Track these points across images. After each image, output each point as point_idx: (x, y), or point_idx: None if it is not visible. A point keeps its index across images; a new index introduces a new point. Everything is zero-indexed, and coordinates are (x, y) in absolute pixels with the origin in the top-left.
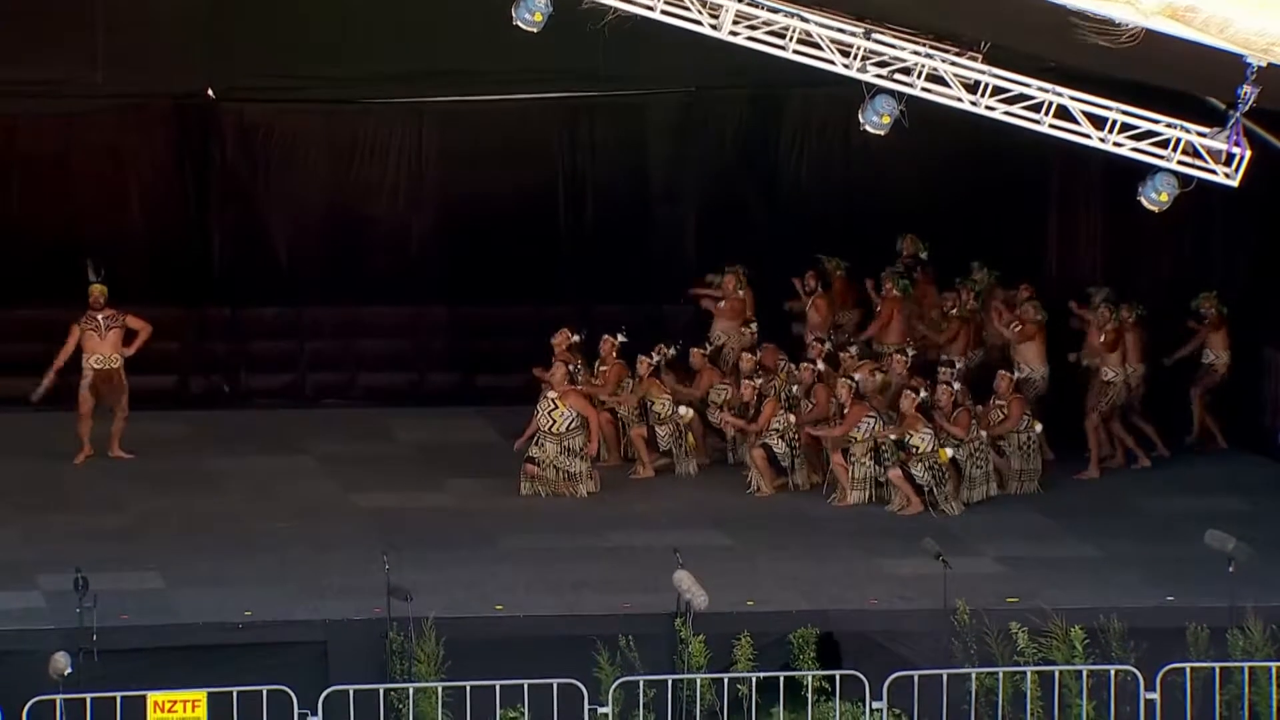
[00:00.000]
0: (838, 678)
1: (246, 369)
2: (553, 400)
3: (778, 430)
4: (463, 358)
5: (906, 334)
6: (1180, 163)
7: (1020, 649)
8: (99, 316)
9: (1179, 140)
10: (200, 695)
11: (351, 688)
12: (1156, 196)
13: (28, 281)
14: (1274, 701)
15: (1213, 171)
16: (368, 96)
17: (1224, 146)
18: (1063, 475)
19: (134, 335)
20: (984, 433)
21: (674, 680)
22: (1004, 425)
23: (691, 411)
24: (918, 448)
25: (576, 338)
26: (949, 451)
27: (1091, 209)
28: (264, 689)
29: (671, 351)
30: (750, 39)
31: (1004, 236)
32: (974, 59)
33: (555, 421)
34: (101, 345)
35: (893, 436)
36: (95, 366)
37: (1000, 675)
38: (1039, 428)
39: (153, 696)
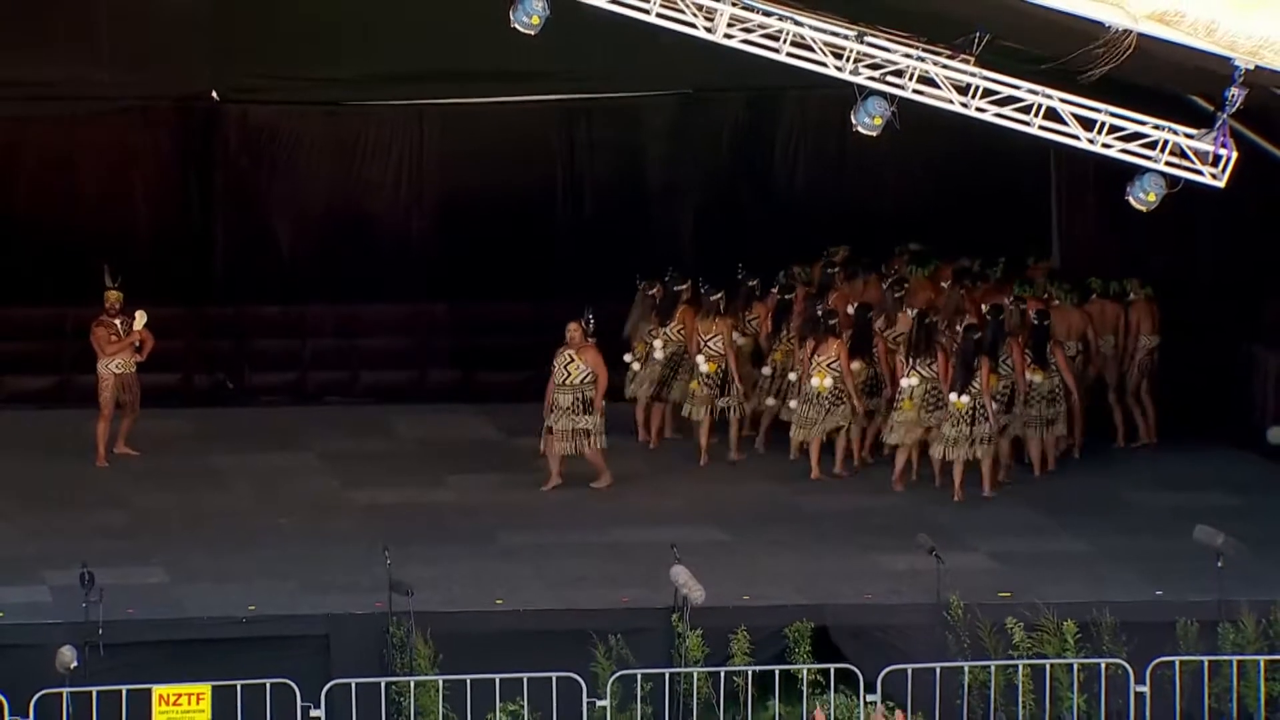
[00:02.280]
0: (832, 671)
1: (250, 366)
2: (570, 355)
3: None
4: (463, 355)
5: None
6: (1168, 164)
7: (1015, 643)
8: (116, 321)
9: (1167, 142)
10: (205, 688)
11: (353, 681)
12: (1144, 197)
13: (34, 280)
14: (1262, 694)
15: (1199, 172)
16: (369, 98)
17: (1211, 148)
18: (1058, 472)
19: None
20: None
21: (671, 674)
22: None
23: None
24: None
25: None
26: (964, 400)
27: (1085, 208)
28: (267, 682)
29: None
30: (744, 42)
31: (999, 235)
32: (965, 61)
33: (570, 374)
34: (122, 350)
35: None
36: (116, 371)
37: (993, 669)
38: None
39: (158, 690)
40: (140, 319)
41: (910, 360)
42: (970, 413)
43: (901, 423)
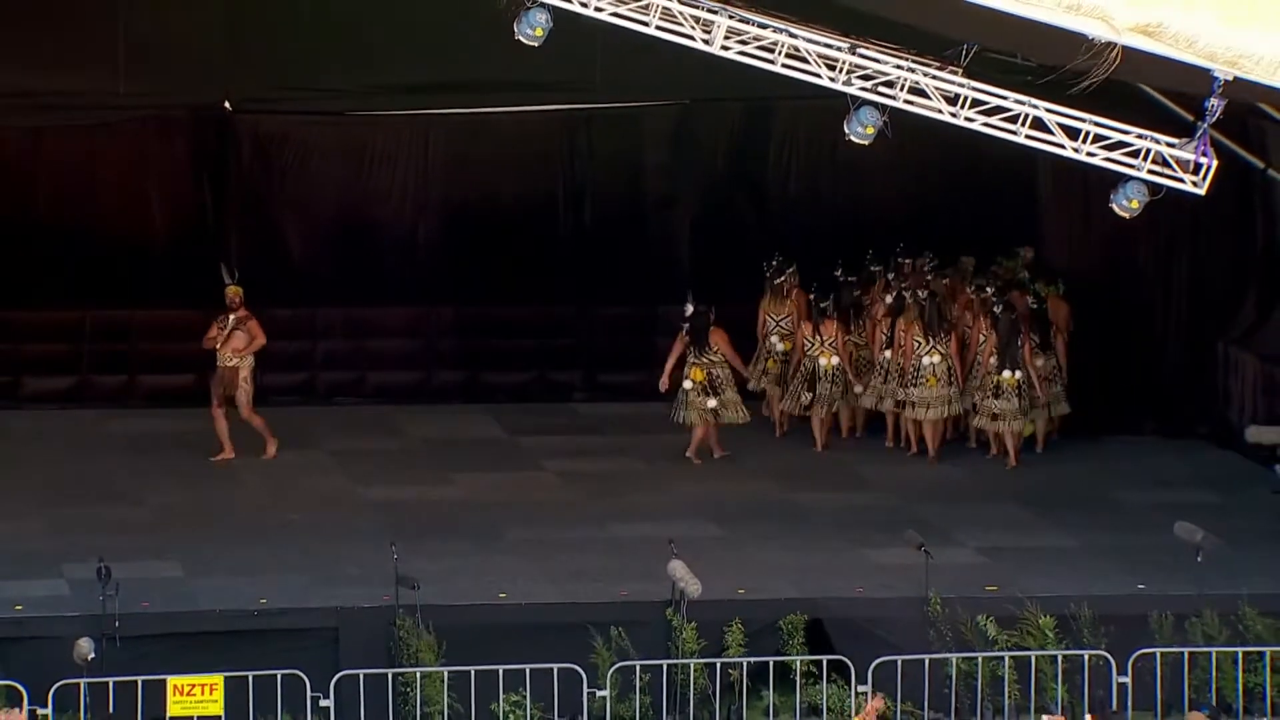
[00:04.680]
0: (824, 662)
1: (262, 368)
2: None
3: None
4: (469, 356)
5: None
6: (1150, 172)
7: (997, 635)
8: (231, 317)
9: (1149, 150)
10: (218, 679)
11: (361, 672)
12: (1128, 204)
13: (54, 284)
14: (1239, 685)
15: (1181, 180)
16: (378, 108)
17: (1192, 156)
18: (1045, 468)
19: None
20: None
21: (669, 665)
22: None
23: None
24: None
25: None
26: (1018, 375)
27: (1073, 215)
28: (278, 673)
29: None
30: (741, 53)
31: (990, 240)
32: (954, 73)
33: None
34: (212, 345)
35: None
36: (218, 364)
37: (979, 660)
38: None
39: (172, 680)
40: (230, 322)
41: (929, 339)
42: (1018, 387)
43: (936, 399)
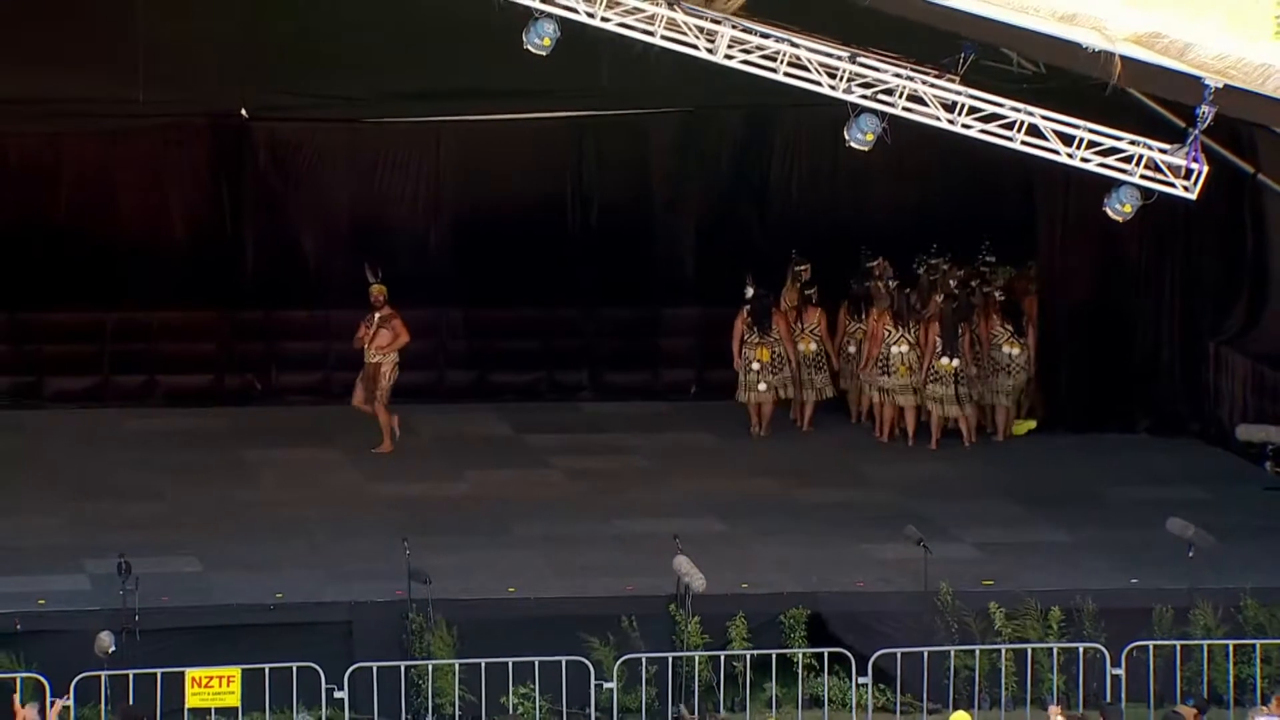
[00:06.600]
0: (826, 655)
1: (277, 368)
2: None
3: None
4: (478, 357)
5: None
6: (1143, 177)
7: (997, 628)
8: (376, 315)
9: (1141, 156)
10: (235, 672)
11: (375, 665)
12: (1120, 208)
13: (75, 286)
14: (1230, 678)
15: (1172, 185)
16: (390, 115)
17: (1183, 162)
18: (1039, 464)
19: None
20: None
21: (674, 658)
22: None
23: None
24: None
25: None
26: (955, 363)
27: (1072, 220)
28: (294, 666)
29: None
30: (744, 62)
31: (989, 244)
32: (951, 80)
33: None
34: (362, 343)
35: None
36: (365, 361)
37: (977, 653)
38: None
39: (191, 673)
40: (375, 321)
41: (898, 328)
42: (955, 374)
43: (903, 386)
